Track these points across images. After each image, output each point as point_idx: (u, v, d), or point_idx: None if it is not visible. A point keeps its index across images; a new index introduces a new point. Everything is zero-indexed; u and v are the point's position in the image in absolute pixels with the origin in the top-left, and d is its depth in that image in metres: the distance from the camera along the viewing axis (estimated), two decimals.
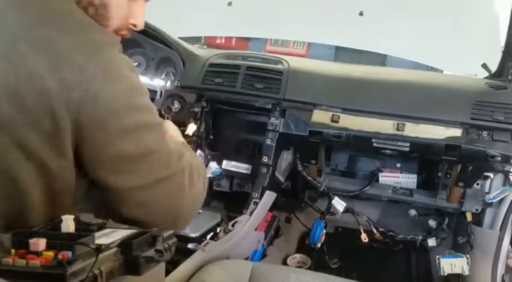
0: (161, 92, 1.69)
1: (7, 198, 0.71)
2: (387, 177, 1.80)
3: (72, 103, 0.69)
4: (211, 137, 1.78)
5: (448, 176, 1.65)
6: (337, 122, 1.54)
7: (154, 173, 0.79)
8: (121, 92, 0.73)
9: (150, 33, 1.77)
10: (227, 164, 1.70)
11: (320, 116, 1.57)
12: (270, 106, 1.62)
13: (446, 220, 1.80)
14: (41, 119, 0.68)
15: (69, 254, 0.57)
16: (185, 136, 1.61)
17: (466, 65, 2.08)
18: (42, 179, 0.72)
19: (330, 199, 1.75)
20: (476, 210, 1.63)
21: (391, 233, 1.82)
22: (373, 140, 1.53)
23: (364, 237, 1.76)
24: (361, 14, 2.33)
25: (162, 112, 1.65)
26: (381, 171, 1.81)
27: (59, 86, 0.68)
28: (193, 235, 1.28)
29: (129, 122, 0.74)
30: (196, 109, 1.66)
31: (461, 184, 1.60)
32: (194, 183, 0.86)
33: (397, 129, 1.50)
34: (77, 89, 0.69)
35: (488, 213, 1.63)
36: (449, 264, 1.59)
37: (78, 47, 0.71)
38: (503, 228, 1.57)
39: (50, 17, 0.73)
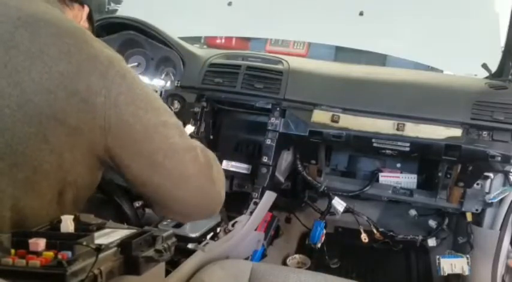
0: (161, 92, 1.68)
1: (23, 187, 0.73)
2: (387, 177, 1.80)
3: (97, 108, 0.75)
4: (211, 137, 1.78)
5: (448, 176, 1.65)
6: (337, 122, 1.54)
7: (184, 168, 0.85)
8: (138, 96, 0.81)
9: (150, 33, 1.77)
10: (227, 164, 1.70)
11: (320, 116, 1.57)
12: (270, 106, 1.62)
13: (446, 220, 1.80)
14: (68, 115, 0.74)
15: (69, 254, 0.57)
16: None
17: (466, 65, 2.08)
18: (60, 172, 0.76)
19: (330, 199, 1.75)
20: (476, 210, 1.63)
21: (391, 233, 1.82)
22: (373, 140, 1.53)
23: (364, 237, 1.76)
24: (361, 14, 2.33)
25: None
26: (381, 171, 1.81)
27: (86, 90, 0.75)
28: (193, 235, 1.27)
29: (150, 122, 0.81)
30: (196, 109, 1.66)
31: (461, 184, 1.60)
32: (219, 171, 0.95)
33: (397, 129, 1.50)
34: (100, 95, 0.75)
35: (488, 213, 1.63)
36: (449, 264, 1.60)
37: (96, 56, 0.78)
38: (503, 228, 1.57)
39: (72, 30, 0.80)
